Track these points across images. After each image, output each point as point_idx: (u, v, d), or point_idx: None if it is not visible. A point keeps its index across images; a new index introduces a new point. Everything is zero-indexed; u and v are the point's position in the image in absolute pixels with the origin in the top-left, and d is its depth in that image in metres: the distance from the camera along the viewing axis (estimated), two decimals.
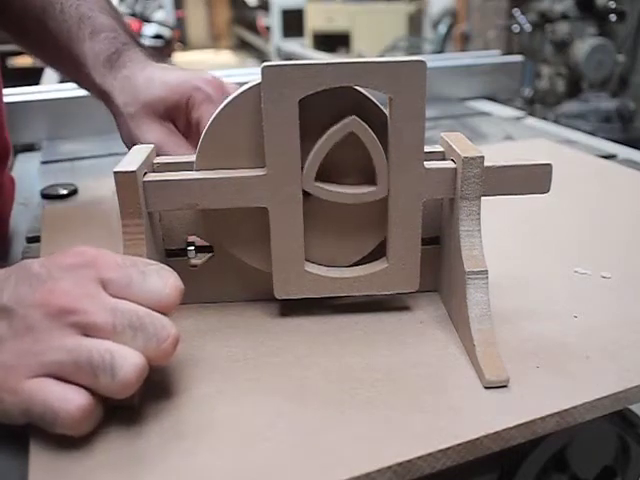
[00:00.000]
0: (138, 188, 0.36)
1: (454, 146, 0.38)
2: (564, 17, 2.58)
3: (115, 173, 0.35)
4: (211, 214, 0.39)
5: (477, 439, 0.30)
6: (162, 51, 3.99)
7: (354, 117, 0.36)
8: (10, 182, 0.62)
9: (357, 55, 3.87)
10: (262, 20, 5.26)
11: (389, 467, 0.28)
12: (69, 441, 0.29)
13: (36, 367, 0.29)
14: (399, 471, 0.29)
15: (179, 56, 5.27)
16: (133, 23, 3.74)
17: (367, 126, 0.36)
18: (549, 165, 0.38)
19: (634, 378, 0.34)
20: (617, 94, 2.57)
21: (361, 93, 0.37)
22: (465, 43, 3.47)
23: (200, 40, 7.30)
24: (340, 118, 0.36)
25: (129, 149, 0.39)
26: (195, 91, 0.48)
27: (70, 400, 0.28)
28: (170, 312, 0.31)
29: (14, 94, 0.81)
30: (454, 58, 1.09)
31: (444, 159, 0.39)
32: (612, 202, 0.58)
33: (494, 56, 1.11)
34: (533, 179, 0.38)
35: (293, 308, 0.40)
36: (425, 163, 0.37)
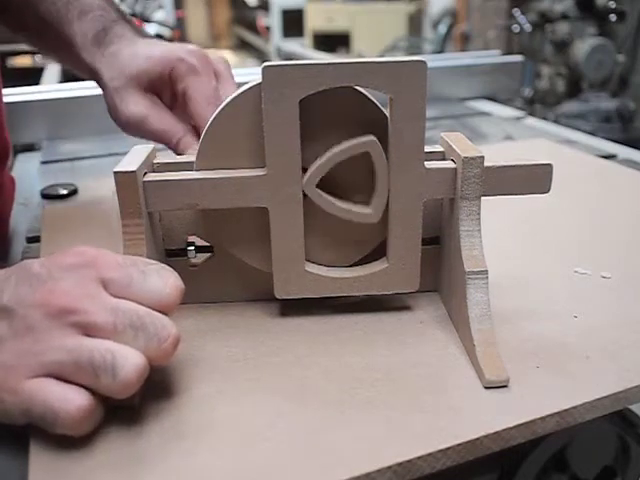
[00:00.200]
0: (138, 188, 0.36)
1: (454, 146, 0.38)
2: (564, 17, 2.58)
3: (115, 173, 0.35)
4: (211, 214, 0.39)
5: (477, 439, 0.30)
6: None
7: (374, 139, 0.36)
8: (10, 182, 0.62)
9: (357, 55, 3.87)
10: (262, 20, 5.26)
11: (389, 467, 0.28)
12: (69, 441, 0.29)
13: (36, 367, 0.29)
14: (399, 471, 0.29)
15: None
16: None
17: (383, 153, 0.36)
18: (549, 165, 0.38)
19: (634, 378, 0.34)
20: (617, 94, 2.57)
21: (361, 93, 0.37)
22: (465, 43, 3.47)
23: (200, 40, 7.29)
24: (340, 118, 0.36)
25: (117, 124, 0.39)
26: (178, 62, 0.48)
27: (70, 400, 0.28)
28: (171, 312, 0.31)
29: (14, 94, 0.81)
30: (454, 58, 1.09)
31: (444, 159, 0.39)
32: (612, 202, 0.58)
33: (494, 56, 1.11)
34: (533, 179, 0.38)
35: (293, 308, 0.40)
36: (425, 163, 0.37)
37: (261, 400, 0.33)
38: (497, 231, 0.46)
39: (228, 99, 0.37)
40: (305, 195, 0.37)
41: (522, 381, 0.33)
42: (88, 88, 0.81)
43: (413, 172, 0.37)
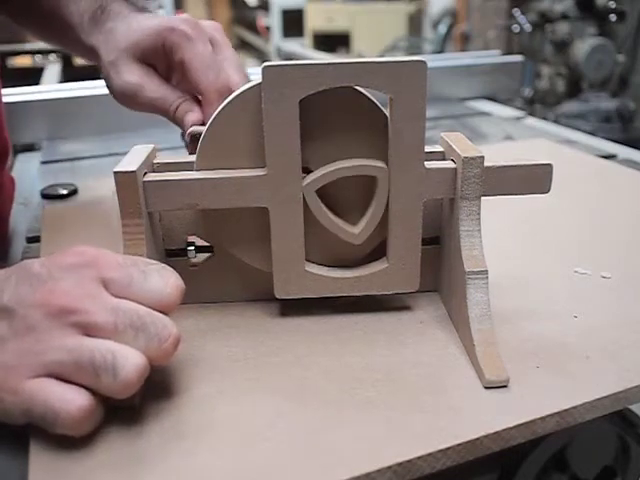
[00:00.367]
0: (138, 188, 0.36)
1: (454, 146, 0.38)
2: (564, 17, 2.58)
3: (115, 173, 0.35)
4: (211, 214, 0.39)
5: (477, 439, 0.30)
6: None
7: (385, 167, 0.37)
8: (10, 182, 0.62)
9: (357, 55, 3.87)
10: (262, 20, 5.26)
11: (389, 467, 0.28)
12: (69, 441, 0.29)
13: (37, 367, 0.29)
14: (399, 471, 0.29)
15: None
16: None
17: (389, 183, 0.37)
18: (549, 165, 0.38)
19: (634, 378, 0.34)
20: (617, 94, 2.57)
21: (361, 93, 0.37)
22: (465, 43, 3.47)
23: None
24: (340, 118, 0.36)
25: (114, 97, 0.38)
26: (169, 32, 0.48)
27: (71, 400, 0.28)
28: (171, 311, 0.31)
29: (14, 94, 0.81)
30: (454, 58, 1.09)
31: (444, 159, 0.39)
32: (612, 202, 0.58)
33: (494, 56, 1.11)
34: (533, 179, 0.38)
35: (293, 308, 0.40)
36: (425, 163, 0.37)
37: (261, 400, 0.33)
38: (497, 231, 0.46)
39: (228, 99, 0.37)
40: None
41: (522, 381, 0.33)
42: (88, 88, 0.81)
43: (413, 172, 0.37)
